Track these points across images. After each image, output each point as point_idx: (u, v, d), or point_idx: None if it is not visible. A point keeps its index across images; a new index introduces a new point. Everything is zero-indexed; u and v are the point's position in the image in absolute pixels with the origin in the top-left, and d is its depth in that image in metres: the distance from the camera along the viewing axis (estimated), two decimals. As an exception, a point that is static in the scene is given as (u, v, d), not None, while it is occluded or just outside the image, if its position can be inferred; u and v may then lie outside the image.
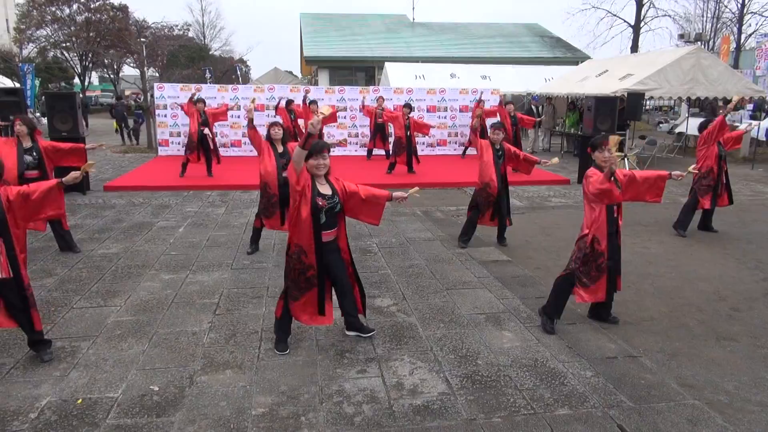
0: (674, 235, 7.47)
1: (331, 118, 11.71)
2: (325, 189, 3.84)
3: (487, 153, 6.54)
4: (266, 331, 4.31)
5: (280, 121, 6.19)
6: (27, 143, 6.15)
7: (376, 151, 13.97)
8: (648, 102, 24.90)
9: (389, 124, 12.59)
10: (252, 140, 6.18)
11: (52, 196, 3.83)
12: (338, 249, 4.02)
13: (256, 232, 6.43)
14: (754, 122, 9.56)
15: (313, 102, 12.20)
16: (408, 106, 11.67)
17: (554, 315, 4.44)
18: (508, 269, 5.97)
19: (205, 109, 10.88)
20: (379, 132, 13.55)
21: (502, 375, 3.73)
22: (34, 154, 6.14)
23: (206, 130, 10.71)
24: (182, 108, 11.43)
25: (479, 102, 13.71)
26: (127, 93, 35.69)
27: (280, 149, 5.96)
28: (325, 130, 14.84)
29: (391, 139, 13.37)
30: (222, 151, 14.41)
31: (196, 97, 10.86)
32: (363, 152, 14.69)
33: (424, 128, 12.21)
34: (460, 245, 6.74)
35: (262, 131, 6.13)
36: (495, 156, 6.53)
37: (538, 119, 14.57)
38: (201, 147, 10.79)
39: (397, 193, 4.02)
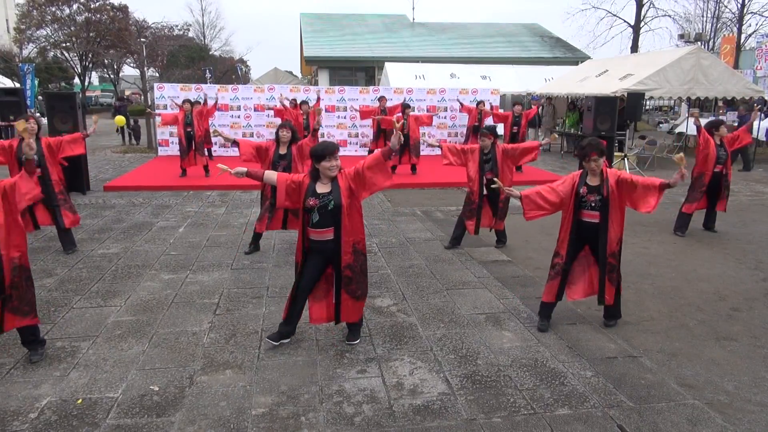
0: (674, 235, 7.47)
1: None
2: (323, 188, 3.83)
3: (473, 156, 6.43)
4: (266, 331, 4.31)
5: (290, 124, 6.15)
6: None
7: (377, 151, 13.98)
8: (648, 102, 24.88)
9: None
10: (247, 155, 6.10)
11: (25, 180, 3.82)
12: (335, 249, 3.90)
13: (256, 234, 6.43)
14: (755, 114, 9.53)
15: (304, 102, 12.01)
16: (406, 106, 11.66)
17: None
18: (508, 269, 5.97)
19: (193, 110, 10.91)
20: (382, 133, 13.55)
21: (502, 375, 3.73)
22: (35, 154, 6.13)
23: (191, 130, 10.75)
24: (162, 119, 11.69)
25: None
26: (126, 93, 35.70)
27: (283, 151, 5.99)
28: (325, 129, 14.86)
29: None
30: (222, 151, 14.47)
31: (183, 100, 11.13)
32: (363, 152, 14.68)
33: (426, 121, 12.03)
34: (446, 245, 6.72)
35: (262, 132, 6.16)
36: (481, 161, 6.39)
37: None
38: (192, 149, 10.85)
39: (392, 140, 3.91)
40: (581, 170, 4.36)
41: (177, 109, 11.67)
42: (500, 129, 13.69)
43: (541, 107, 17.79)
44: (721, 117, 17.75)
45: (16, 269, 3.69)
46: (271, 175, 3.97)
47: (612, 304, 4.44)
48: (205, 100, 13.07)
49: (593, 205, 4.26)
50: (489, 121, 13.62)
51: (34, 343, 3.88)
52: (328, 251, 3.92)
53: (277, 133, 6.02)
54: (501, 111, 14.64)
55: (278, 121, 14.26)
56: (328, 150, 3.76)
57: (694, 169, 7.47)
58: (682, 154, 4.26)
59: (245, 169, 3.93)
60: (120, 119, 17.75)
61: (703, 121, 16.22)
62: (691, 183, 7.50)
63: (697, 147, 7.49)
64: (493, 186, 4.82)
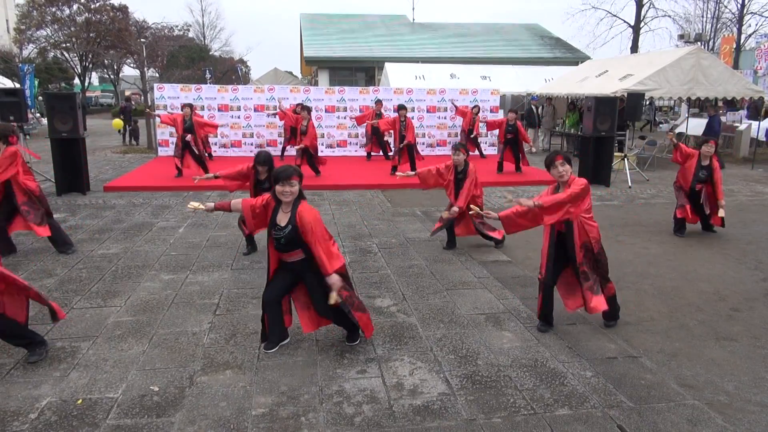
0: (674, 235, 7.47)
1: None
2: (282, 219, 3.76)
3: (448, 174, 6.45)
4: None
5: (264, 156, 5.80)
6: None
7: (374, 153, 14.02)
8: (648, 102, 24.87)
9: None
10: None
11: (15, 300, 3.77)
12: (308, 270, 3.85)
13: (248, 235, 6.43)
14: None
15: (305, 108, 11.56)
16: (402, 108, 11.65)
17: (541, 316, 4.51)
18: (508, 269, 5.97)
19: (194, 116, 10.74)
20: (375, 135, 13.59)
21: (502, 375, 3.73)
22: None
23: (188, 137, 10.63)
24: (160, 119, 11.64)
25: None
26: (127, 93, 35.77)
27: (263, 177, 5.81)
28: (325, 130, 14.86)
29: (389, 140, 13.44)
30: (222, 152, 14.50)
31: (182, 104, 11.11)
32: (363, 153, 14.70)
33: (410, 134, 11.72)
34: (444, 246, 6.74)
35: (262, 132, 6.14)
36: (456, 179, 6.40)
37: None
38: (187, 153, 10.76)
39: (333, 279, 3.70)
40: (556, 183, 4.30)
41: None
42: (496, 133, 13.77)
43: (541, 108, 17.78)
44: (721, 117, 17.76)
45: None
46: (237, 204, 3.99)
47: (607, 310, 4.35)
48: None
49: None
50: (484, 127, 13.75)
51: (31, 345, 3.86)
52: (297, 270, 3.90)
53: (255, 169, 5.81)
54: (500, 115, 14.66)
55: (279, 122, 14.29)
56: (283, 175, 3.66)
57: (677, 178, 7.57)
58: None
59: (212, 205, 4.07)
60: (117, 122, 17.85)
61: (702, 122, 16.13)
62: (675, 191, 7.61)
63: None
64: (470, 213, 4.82)
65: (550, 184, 4.57)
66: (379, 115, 13.17)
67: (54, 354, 3.95)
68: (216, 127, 11.53)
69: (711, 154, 7.17)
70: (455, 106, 14.39)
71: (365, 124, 13.76)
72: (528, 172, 12.30)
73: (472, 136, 13.73)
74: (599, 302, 4.25)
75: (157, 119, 13.40)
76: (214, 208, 4.07)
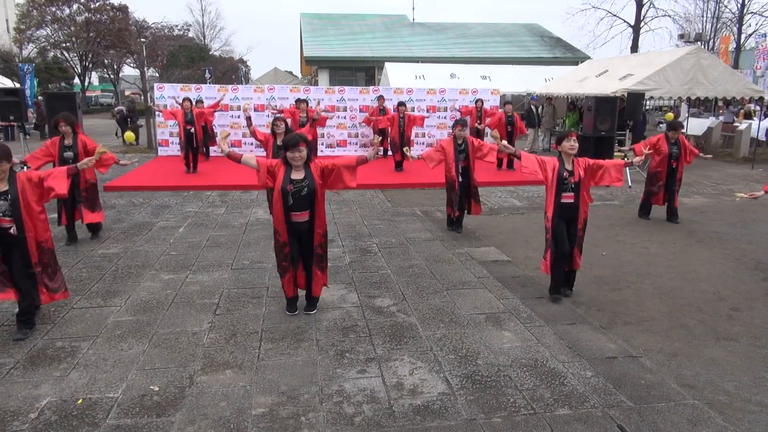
0: (674, 235, 7.47)
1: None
2: (297, 174, 4.33)
3: (448, 147, 7.20)
4: (266, 331, 4.32)
5: (283, 117, 7.25)
6: (69, 140, 6.55)
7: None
8: (648, 102, 24.87)
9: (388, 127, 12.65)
10: (254, 137, 7.46)
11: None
12: (310, 230, 4.47)
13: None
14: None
15: (304, 101, 11.85)
16: (401, 104, 11.91)
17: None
18: (508, 269, 5.97)
19: (193, 108, 11.24)
20: (381, 133, 13.61)
21: (502, 375, 3.73)
22: (73, 151, 6.54)
23: (192, 129, 11.05)
24: (163, 114, 12.02)
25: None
26: (126, 93, 35.75)
27: (280, 142, 6.44)
28: (326, 130, 14.83)
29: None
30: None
31: (182, 98, 11.49)
32: (363, 152, 14.64)
33: (419, 121, 12.20)
34: (456, 230, 7.41)
35: (262, 131, 6.72)
36: (456, 151, 7.19)
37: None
38: (190, 146, 11.13)
39: (368, 152, 4.61)
40: (558, 158, 4.87)
41: (178, 107, 11.84)
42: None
43: (540, 107, 17.77)
44: (721, 117, 17.74)
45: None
46: (249, 158, 4.42)
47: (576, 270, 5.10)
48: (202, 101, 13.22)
49: (572, 187, 4.80)
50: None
51: (27, 323, 4.21)
52: (302, 232, 4.46)
53: (272, 127, 6.94)
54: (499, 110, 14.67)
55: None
56: (291, 143, 4.29)
57: (652, 166, 8.17)
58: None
59: (228, 151, 4.50)
60: (130, 135, 17.89)
61: (704, 122, 16.16)
62: (652, 179, 8.17)
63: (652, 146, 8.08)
64: (493, 135, 5.73)
65: (543, 183, 4.98)
66: (383, 111, 13.34)
67: (54, 354, 3.95)
68: (214, 107, 12.18)
69: (678, 136, 8.02)
70: (460, 111, 14.40)
71: (372, 121, 13.88)
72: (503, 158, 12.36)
73: (478, 125, 13.72)
74: (579, 260, 5.10)
75: (159, 115, 13.61)
76: (227, 154, 4.48)
